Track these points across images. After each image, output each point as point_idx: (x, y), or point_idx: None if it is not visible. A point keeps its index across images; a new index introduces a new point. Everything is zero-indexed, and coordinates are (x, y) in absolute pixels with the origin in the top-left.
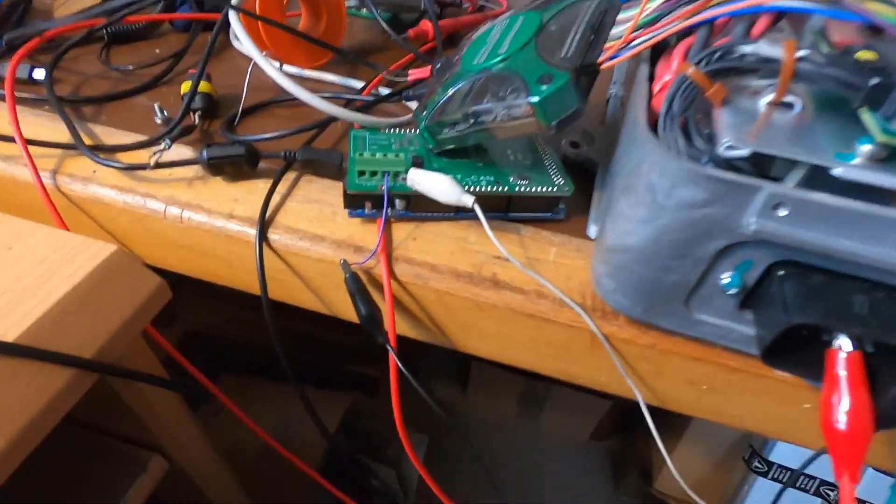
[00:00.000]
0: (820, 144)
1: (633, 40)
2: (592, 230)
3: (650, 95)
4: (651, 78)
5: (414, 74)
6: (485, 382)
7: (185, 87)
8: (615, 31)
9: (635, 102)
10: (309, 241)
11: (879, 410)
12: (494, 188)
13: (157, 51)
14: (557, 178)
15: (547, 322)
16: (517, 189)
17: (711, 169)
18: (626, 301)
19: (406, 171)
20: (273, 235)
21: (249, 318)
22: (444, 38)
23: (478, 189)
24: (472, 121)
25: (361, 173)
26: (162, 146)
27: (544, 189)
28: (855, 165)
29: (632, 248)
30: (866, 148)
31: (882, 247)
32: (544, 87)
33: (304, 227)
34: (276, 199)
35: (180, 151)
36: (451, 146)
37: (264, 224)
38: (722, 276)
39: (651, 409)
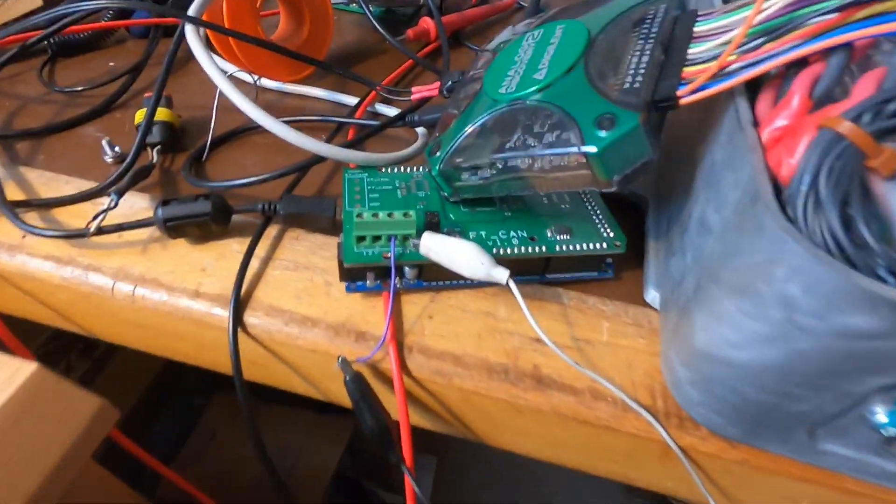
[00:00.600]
0: None
1: (728, 66)
2: (652, 295)
3: (763, 149)
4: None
5: (419, 92)
6: None
7: (140, 115)
8: (698, 49)
9: (739, 161)
10: (297, 325)
11: None
12: (530, 249)
13: (112, 64)
14: (605, 229)
15: (606, 430)
16: (557, 248)
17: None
18: (718, 419)
19: (417, 234)
20: (251, 319)
21: None
22: (448, 36)
23: (509, 251)
24: (500, 167)
25: (360, 239)
26: (106, 203)
27: (591, 246)
28: None
29: (741, 365)
30: None
31: None
32: (604, 133)
33: (291, 306)
34: (254, 265)
35: (134, 203)
36: (473, 195)
37: (239, 305)
38: (874, 412)
39: None
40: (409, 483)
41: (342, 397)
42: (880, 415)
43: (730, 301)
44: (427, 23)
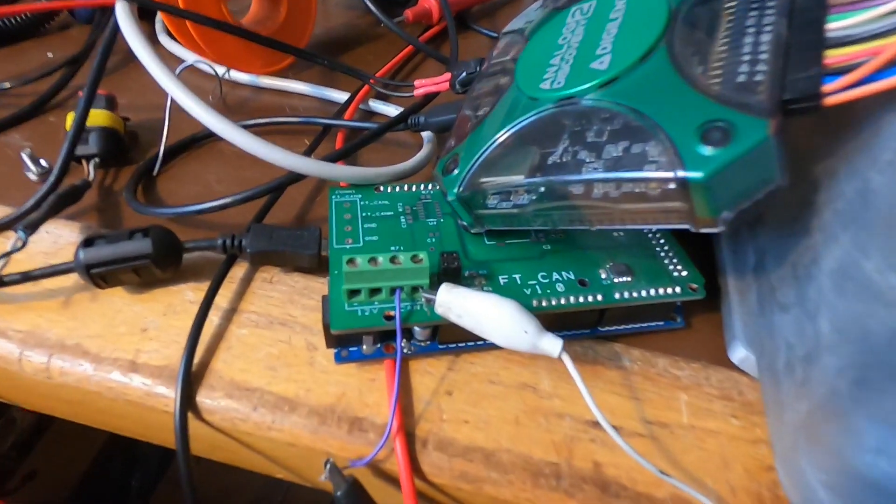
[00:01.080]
0: None
1: None
2: (741, 355)
3: None
4: None
5: (423, 86)
6: None
7: (71, 118)
8: (842, 22)
9: None
10: (269, 410)
11: None
12: (580, 298)
13: (51, 54)
14: (676, 267)
15: None
16: (617, 296)
17: None
18: None
19: (429, 286)
20: (207, 400)
21: None
22: (453, 17)
23: (553, 302)
24: (542, 191)
25: (353, 293)
26: (11, 243)
27: (659, 291)
28: None
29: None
30: None
31: None
32: (714, 151)
33: (262, 381)
34: (213, 321)
35: (59, 238)
36: (502, 227)
37: (190, 383)
38: None
39: None
40: None
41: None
42: None
43: None
44: (428, 2)
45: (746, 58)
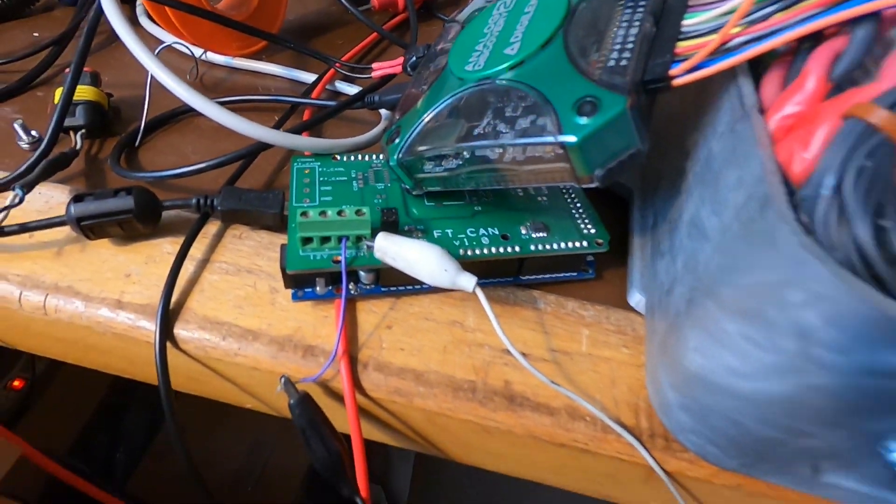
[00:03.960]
0: None
1: (730, 40)
2: (637, 299)
3: (771, 140)
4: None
5: (381, 69)
6: None
7: (60, 93)
8: (693, 20)
9: (744, 156)
10: (236, 339)
11: None
12: (501, 249)
13: (36, 34)
14: (586, 225)
15: (585, 452)
16: (533, 248)
17: None
18: (712, 449)
19: (372, 234)
20: (183, 332)
21: None
22: (418, 7)
23: (478, 252)
24: (467, 156)
25: (307, 241)
26: (9, 199)
27: (570, 244)
28: None
29: (743, 397)
30: None
31: None
32: (585, 120)
33: (230, 316)
34: (188, 269)
35: (51, 198)
36: (439, 188)
37: (168, 317)
38: (892, 449)
39: None
40: None
41: None
42: None
43: (732, 324)
44: None
45: (617, 47)
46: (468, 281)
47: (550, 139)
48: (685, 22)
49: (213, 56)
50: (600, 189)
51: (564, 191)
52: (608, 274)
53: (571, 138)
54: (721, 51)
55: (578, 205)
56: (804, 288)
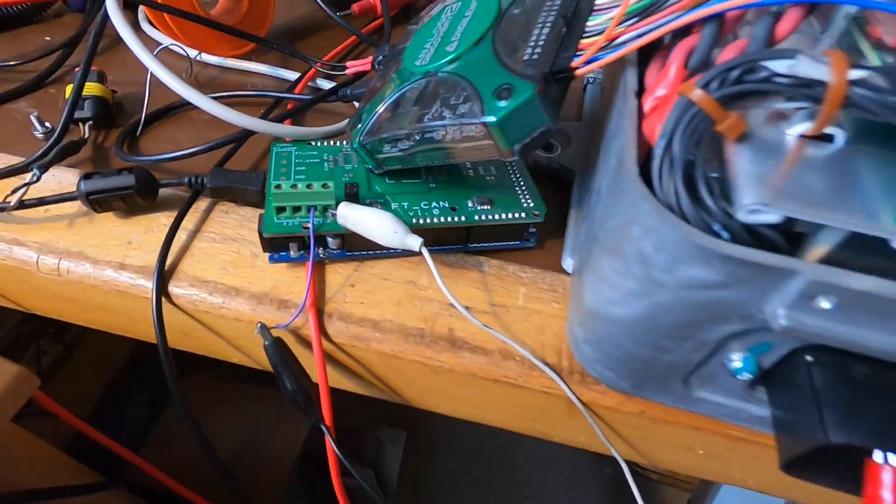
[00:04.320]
0: (872, 201)
1: (617, 38)
2: (568, 262)
3: (640, 117)
4: (640, 89)
5: (354, 67)
6: None
7: (70, 90)
8: (595, 21)
9: (619, 129)
10: (221, 295)
11: None
12: (449, 219)
13: (48, 38)
14: (526, 199)
15: (516, 388)
16: (477, 218)
17: (728, 245)
18: (609, 374)
19: (337, 205)
20: (176, 289)
21: None
22: (396, 12)
23: (429, 221)
24: (417, 138)
25: (280, 210)
26: (28, 177)
27: (510, 215)
28: None
29: (618, 321)
30: None
31: None
32: (503, 104)
33: (216, 276)
34: (181, 238)
35: (63, 179)
36: (397, 167)
37: (163, 275)
38: (731, 359)
39: None
40: (330, 443)
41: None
42: (736, 361)
43: (606, 261)
44: None
45: (532, 43)
46: (415, 241)
47: (476, 120)
48: (589, 23)
49: (206, 57)
50: (550, 173)
51: (511, 171)
52: (549, 244)
53: (491, 118)
54: (611, 46)
55: (522, 183)
56: (640, 223)
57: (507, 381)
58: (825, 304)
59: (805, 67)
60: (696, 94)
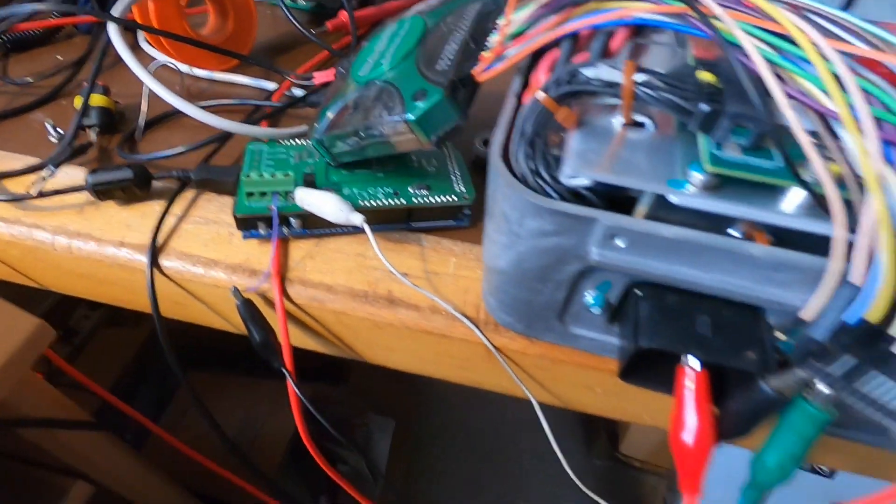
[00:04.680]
0: (663, 169)
1: (503, 52)
2: None
3: (515, 112)
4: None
5: (319, 77)
6: None
7: (79, 101)
8: (492, 38)
9: (501, 120)
10: (203, 266)
11: (722, 424)
12: (392, 201)
13: (60, 57)
14: (459, 185)
15: (443, 338)
16: (415, 200)
17: (551, 202)
18: (508, 318)
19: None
20: (166, 262)
21: None
22: (365, 30)
23: (374, 203)
24: (362, 135)
25: (250, 194)
26: (45, 173)
27: (444, 198)
28: (688, 193)
29: (502, 270)
30: (698, 176)
31: (715, 273)
32: (419, 104)
33: (199, 251)
34: (170, 221)
35: (74, 176)
36: (350, 159)
37: (155, 251)
38: (586, 296)
39: None
40: (291, 386)
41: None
42: (589, 297)
43: (490, 223)
44: (345, 15)
45: (444, 57)
46: (357, 217)
47: (401, 118)
48: (490, 39)
49: (197, 71)
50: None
51: (450, 162)
52: (480, 224)
53: (411, 116)
54: (500, 59)
55: (457, 171)
56: (501, 190)
57: (435, 333)
58: (620, 243)
59: (605, 73)
60: (539, 94)
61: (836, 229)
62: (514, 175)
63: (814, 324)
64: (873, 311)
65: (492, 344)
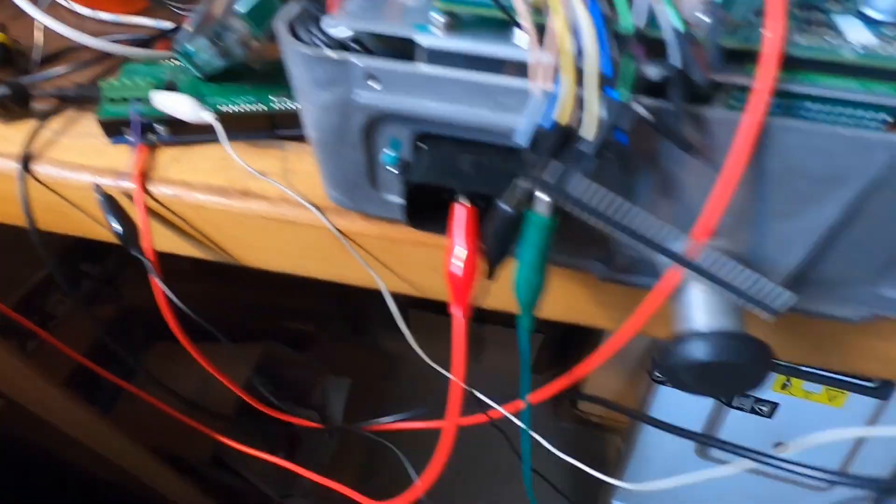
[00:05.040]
0: (415, 17)
1: None
2: None
3: None
4: None
5: None
6: (424, 328)
7: None
8: None
9: None
10: (73, 171)
11: (484, 254)
12: (251, 107)
13: None
14: None
15: (292, 225)
16: (274, 106)
17: (313, 48)
18: (335, 193)
19: None
20: (38, 169)
21: (191, 291)
22: None
23: (234, 109)
24: (217, 42)
25: (111, 100)
26: None
27: None
28: (433, 35)
29: (315, 141)
30: (437, 17)
31: (460, 105)
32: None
33: (73, 159)
34: (47, 135)
35: None
36: (213, 71)
37: (28, 157)
38: (384, 154)
39: (568, 338)
40: (154, 279)
41: None
42: (385, 156)
43: (300, 99)
44: None
45: None
46: (208, 115)
47: (235, 11)
48: None
49: (103, 14)
50: None
51: None
52: None
53: (240, 9)
54: None
55: None
56: (289, 57)
57: (284, 219)
58: (377, 84)
59: None
60: None
61: (531, 50)
62: (295, 36)
63: (518, 132)
64: (561, 113)
65: (334, 226)
